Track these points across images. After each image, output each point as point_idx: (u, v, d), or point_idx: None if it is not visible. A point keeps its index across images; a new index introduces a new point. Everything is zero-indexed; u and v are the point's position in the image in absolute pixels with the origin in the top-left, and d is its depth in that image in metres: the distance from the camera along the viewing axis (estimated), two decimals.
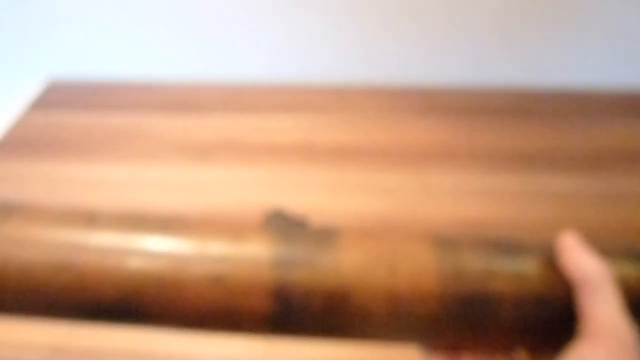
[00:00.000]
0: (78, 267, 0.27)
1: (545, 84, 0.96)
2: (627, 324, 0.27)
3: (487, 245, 0.30)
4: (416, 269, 0.28)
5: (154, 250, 0.28)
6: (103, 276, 0.27)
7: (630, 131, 0.85)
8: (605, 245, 0.31)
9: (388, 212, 0.70)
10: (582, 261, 0.29)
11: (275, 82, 0.99)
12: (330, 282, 0.27)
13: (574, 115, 0.89)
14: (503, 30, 0.92)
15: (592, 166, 0.78)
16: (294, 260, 0.28)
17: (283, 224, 0.30)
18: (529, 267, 0.29)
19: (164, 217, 0.30)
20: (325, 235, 0.29)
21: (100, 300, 0.27)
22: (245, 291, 0.27)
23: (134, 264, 0.27)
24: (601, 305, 0.27)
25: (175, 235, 0.29)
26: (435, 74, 0.97)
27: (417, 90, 0.96)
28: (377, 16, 0.92)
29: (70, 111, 0.92)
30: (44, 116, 0.91)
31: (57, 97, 0.97)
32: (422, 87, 0.97)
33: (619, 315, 0.27)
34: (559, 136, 0.84)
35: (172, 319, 0.28)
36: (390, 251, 0.29)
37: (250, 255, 0.28)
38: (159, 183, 0.76)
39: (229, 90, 0.98)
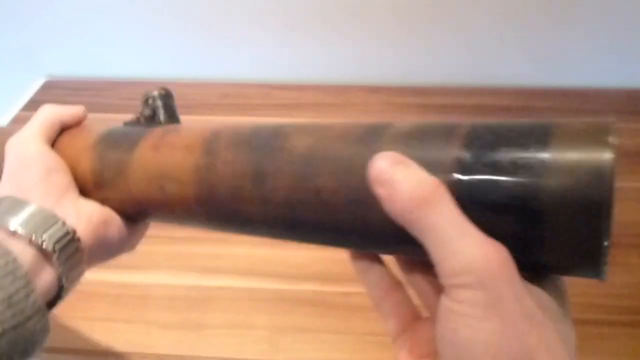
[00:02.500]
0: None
1: (545, 83, 0.96)
2: (491, 243, 0.19)
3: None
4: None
5: None
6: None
7: (630, 131, 0.85)
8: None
9: None
10: (403, 186, 0.20)
11: (274, 81, 0.99)
12: None
13: (574, 115, 0.89)
14: (503, 30, 0.92)
15: None
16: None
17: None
18: None
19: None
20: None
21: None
22: None
23: None
24: (445, 237, 0.19)
25: None
26: (436, 73, 0.97)
27: (416, 89, 0.96)
28: (376, 14, 0.91)
29: None
30: None
31: (53, 96, 0.97)
32: (422, 85, 0.97)
33: (475, 235, 0.19)
34: None
35: None
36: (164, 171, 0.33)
37: None
38: None
39: (226, 89, 0.98)
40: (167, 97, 0.38)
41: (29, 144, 0.36)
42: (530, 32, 0.92)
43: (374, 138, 0.25)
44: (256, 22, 0.94)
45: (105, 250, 0.35)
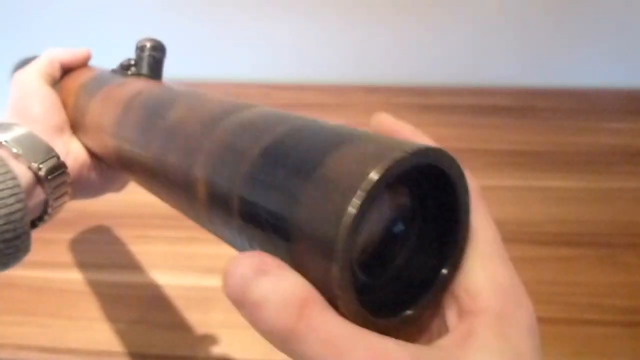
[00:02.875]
0: None
1: (546, 83, 0.96)
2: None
3: None
4: None
5: None
6: None
7: (630, 131, 0.85)
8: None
9: None
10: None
11: (274, 81, 0.99)
12: None
13: (574, 115, 0.89)
14: (503, 30, 0.92)
15: (592, 165, 0.78)
16: None
17: None
18: None
19: None
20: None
21: None
22: None
23: None
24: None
25: None
26: (436, 73, 0.97)
27: (416, 89, 0.96)
28: (376, 14, 0.91)
29: None
30: None
31: None
32: (422, 85, 0.97)
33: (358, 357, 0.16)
34: (559, 135, 0.84)
35: None
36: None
37: None
38: None
39: (226, 89, 0.97)
40: (155, 49, 0.38)
41: (31, 82, 0.38)
42: (530, 32, 0.92)
43: (218, 123, 0.23)
44: (256, 22, 0.94)
45: (88, 189, 0.39)
